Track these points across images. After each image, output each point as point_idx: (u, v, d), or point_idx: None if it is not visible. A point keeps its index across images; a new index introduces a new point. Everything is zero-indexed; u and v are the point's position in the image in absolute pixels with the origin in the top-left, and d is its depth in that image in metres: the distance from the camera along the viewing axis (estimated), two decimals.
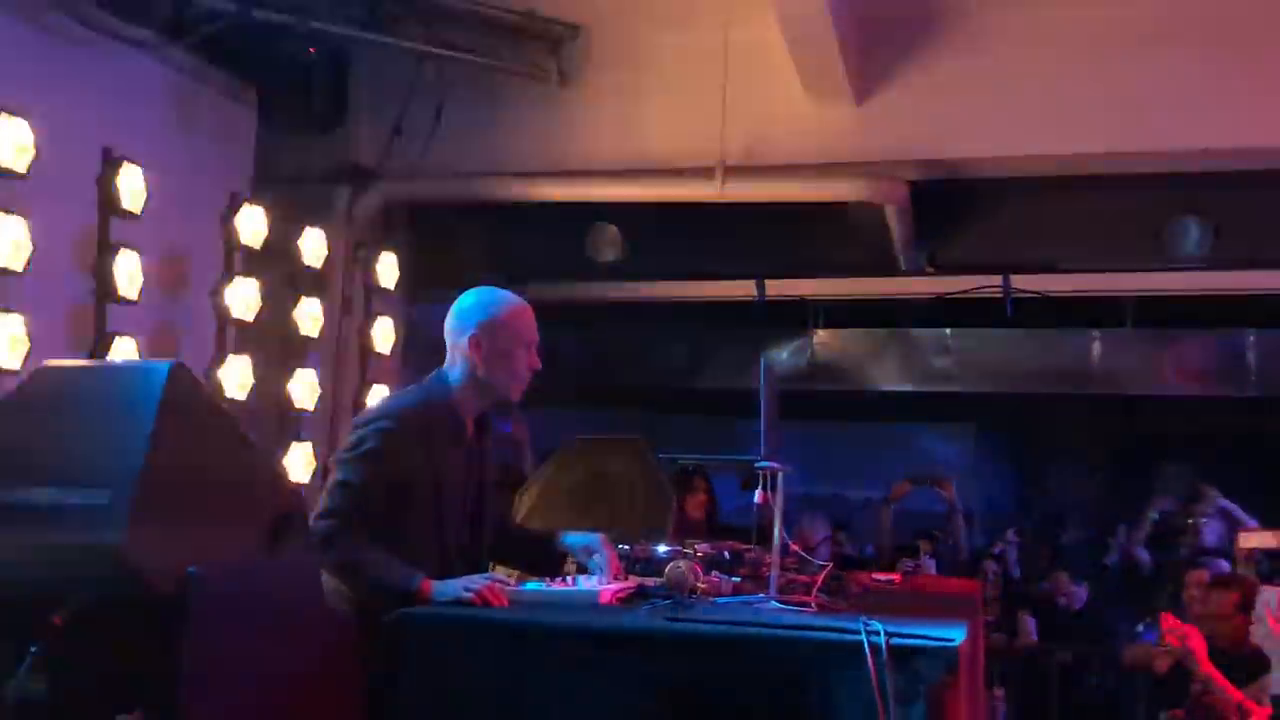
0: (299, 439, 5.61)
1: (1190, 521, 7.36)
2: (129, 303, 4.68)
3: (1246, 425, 10.03)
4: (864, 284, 7.27)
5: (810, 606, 2.87)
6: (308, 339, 5.71)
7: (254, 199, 5.42)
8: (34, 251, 4.24)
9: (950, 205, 6.63)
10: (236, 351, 5.22)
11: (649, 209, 6.37)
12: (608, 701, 2.42)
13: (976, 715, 3.23)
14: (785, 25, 5.22)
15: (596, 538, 3.14)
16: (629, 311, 7.96)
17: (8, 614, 2.06)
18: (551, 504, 4.08)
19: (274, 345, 5.66)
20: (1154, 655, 5.30)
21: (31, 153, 4.25)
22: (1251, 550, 5.85)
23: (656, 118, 6.03)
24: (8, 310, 4.18)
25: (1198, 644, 4.82)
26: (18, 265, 4.20)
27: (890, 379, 8.01)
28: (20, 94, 4.30)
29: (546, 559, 3.22)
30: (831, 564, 3.39)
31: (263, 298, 5.34)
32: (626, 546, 3.25)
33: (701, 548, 3.23)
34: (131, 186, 4.68)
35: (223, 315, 5.19)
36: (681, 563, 2.97)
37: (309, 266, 5.76)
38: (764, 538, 3.27)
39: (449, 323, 3.12)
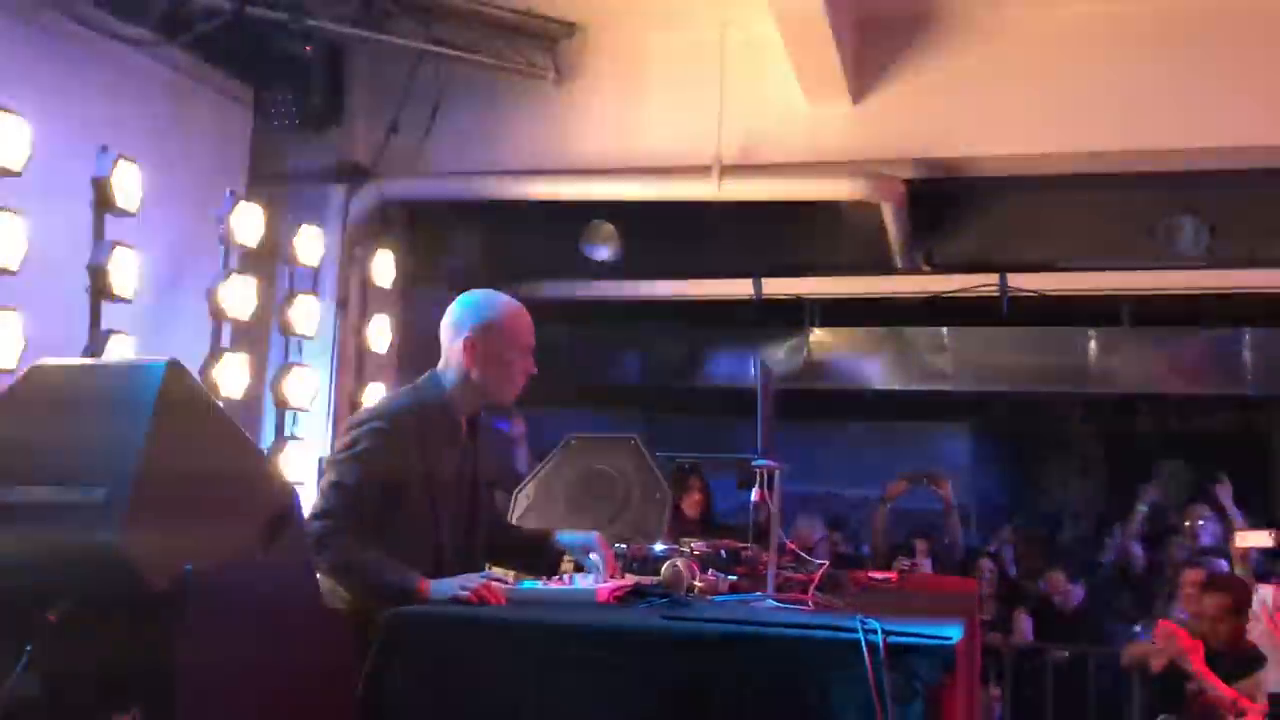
0: (294, 438, 5.60)
1: (1188, 524, 7.36)
2: (125, 301, 4.67)
3: (1242, 424, 10.06)
4: (860, 283, 7.27)
5: (807, 605, 2.87)
6: (303, 337, 5.71)
7: (250, 197, 5.41)
8: (29, 249, 4.23)
9: (947, 204, 6.64)
10: (232, 350, 5.21)
11: (646, 208, 6.37)
12: (605, 700, 2.42)
13: (973, 714, 3.23)
14: (782, 24, 5.22)
15: (593, 536, 3.14)
16: (625, 310, 7.96)
17: (3, 612, 2.05)
18: (548, 503, 4.07)
19: (269, 344, 5.66)
20: (1150, 655, 5.30)
21: (27, 150, 4.24)
22: (1247, 550, 5.85)
23: (653, 116, 6.03)
24: (3, 308, 4.17)
25: (1192, 645, 4.82)
26: (13, 263, 4.19)
27: (887, 378, 8.01)
28: (16, 92, 4.30)
29: (542, 558, 3.22)
30: (828, 563, 3.39)
31: (259, 296, 5.33)
32: (623, 545, 3.25)
33: (698, 546, 3.23)
34: (127, 184, 4.67)
35: (219, 313, 5.18)
36: (678, 561, 2.97)
37: (305, 265, 5.76)
38: (760, 536, 3.27)
39: (445, 324, 3.12)
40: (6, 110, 4.19)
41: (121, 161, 4.64)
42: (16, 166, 4.22)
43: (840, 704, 2.29)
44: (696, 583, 2.97)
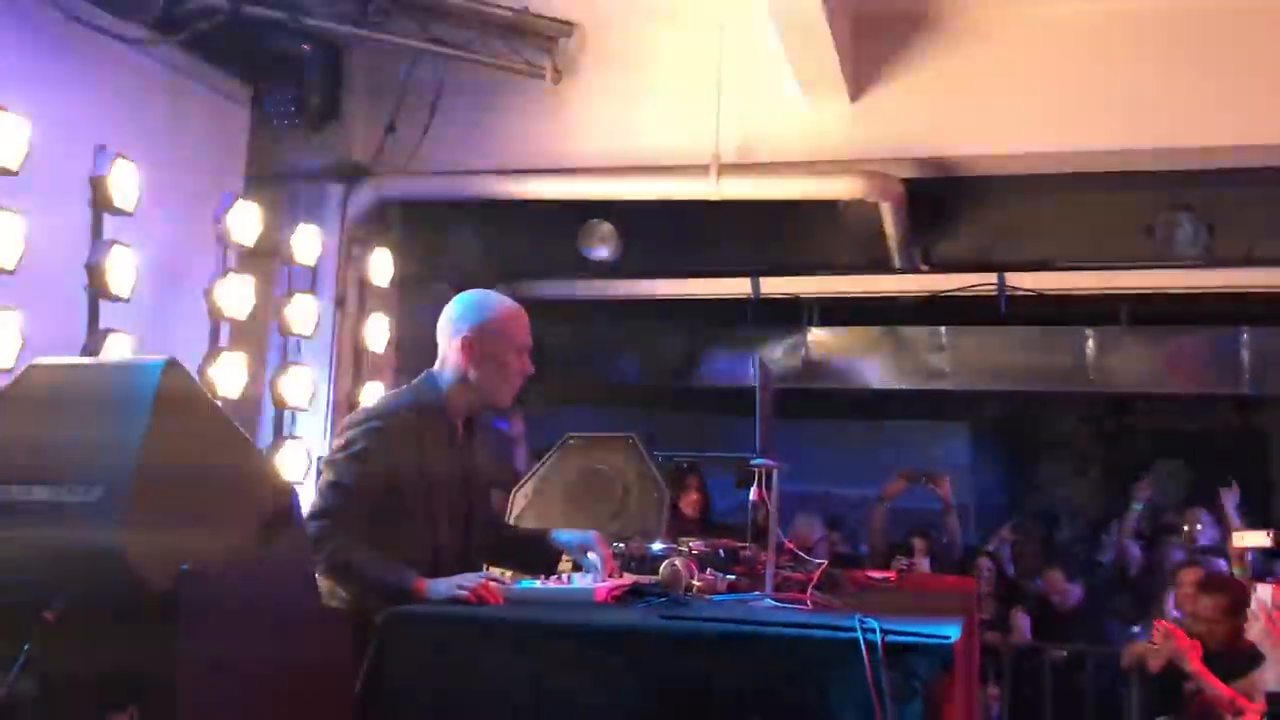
0: (292, 437, 5.60)
1: (1186, 529, 7.36)
2: (122, 300, 4.66)
3: (1241, 423, 10.06)
4: (859, 282, 7.27)
5: (806, 604, 2.87)
6: (301, 336, 5.70)
7: (248, 196, 5.41)
8: (26, 248, 4.22)
9: (945, 203, 6.64)
10: (230, 349, 5.20)
11: (644, 206, 6.37)
12: (603, 699, 2.42)
13: (971, 713, 3.23)
14: (779, 22, 5.21)
15: (591, 536, 3.14)
16: (623, 310, 7.96)
17: (0, 612, 2.05)
18: (546, 502, 4.07)
19: (267, 343, 5.65)
20: (1148, 654, 5.31)
21: (24, 149, 4.23)
22: (1245, 550, 5.85)
23: (651, 115, 6.02)
24: (1, 307, 4.16)
25: (1190, 644, 4.82)
26: (10, 262, 4.18)
27: (885, 377, 8.01)
28: (13, 90, 4.29)
29: (540, 557, 3.22)
30: (826, 562, 3.39)
31: (256, 295, 5.33)
32: (621, 544, 3.25)
33: (696, 545, 3.23)
34: (124, 183, 4.66)
35: (216, 312, 5.17)
36: (677, 560, 2.97)
37: (302, 264, 5.75)
38: (759, 535, 3.27)
39: (441, 324, 3.12)
40: (3, 109, 4.18)
41: (119, 160, 4.64)
42: (13, 165, 4.21)
43: (839, 703, 2.29)
44: (695, 582, 2.97)
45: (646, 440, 4.24)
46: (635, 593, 2.93)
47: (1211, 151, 5.65)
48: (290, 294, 5.67)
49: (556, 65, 5.99)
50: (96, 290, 4.57)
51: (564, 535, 3.22)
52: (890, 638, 2.29)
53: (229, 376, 5.13)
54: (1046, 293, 6.99)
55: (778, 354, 7.83)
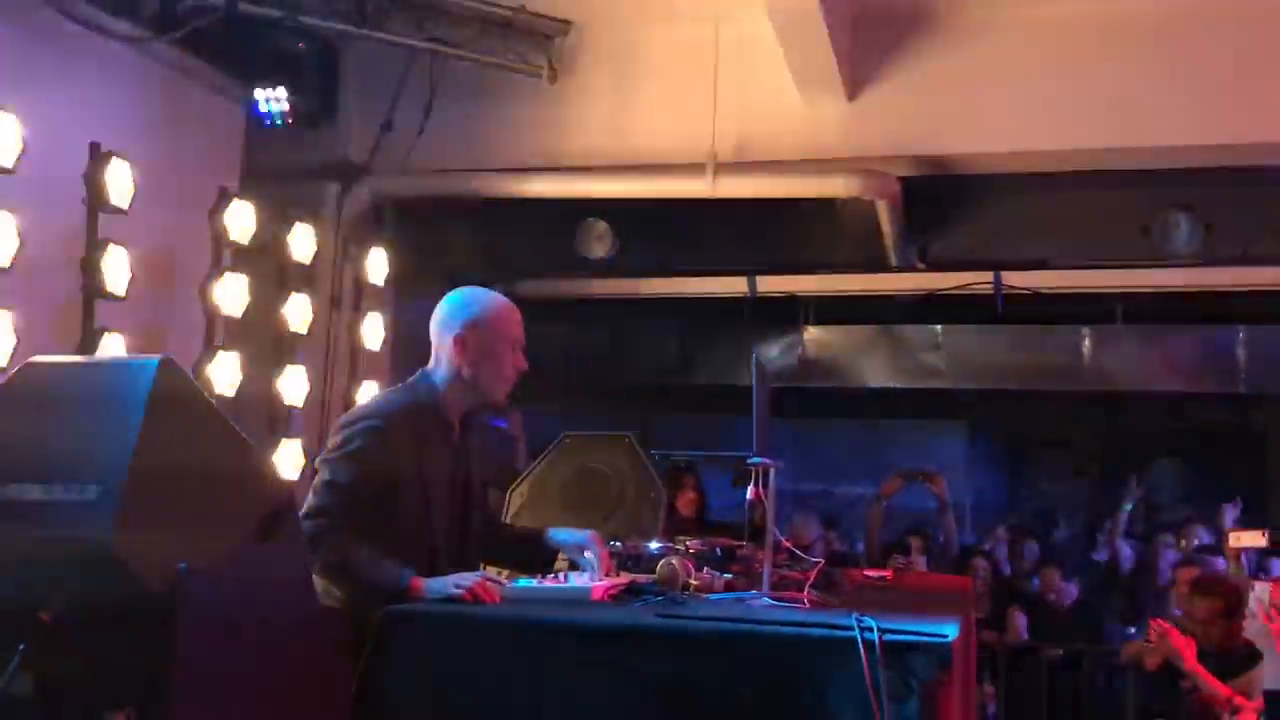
0: (288, 436, 5.59)
1: (1184, 543, 7.36)
2: (117, 299, 4.65)
3: (1237, 421, 10.07)
4: (855, 280, 7.28)
5: (803, 603, 2.86)
6: (297, 335, 5.69)
7: (243, 194, 5.40)
8: (21, 247, 4.22)
9: (941, 202, 6.63)
10: (225, 348, 5.20)
11: (640, 205, 6.36)
12: (600, 698, 2.42)
13: (968, 712, 3.22)
14: (776, 20, 5.21)
15: (587, 535, 3.13)
16: (620, 308, 7.96)
17: None
18: (542, 501, 4.06)
19: (263, 341, 5.64)
20: (1144, 653, 5.30)
21: (18, 148, 4.23)
22: (1241, 549, 5.85)
23: (647, 113, 6.02)
24: None
25: (1186, 642, 4.82)
26: (4, 261, 4.18)
27: (881, 375, 8.02)
28: (7, 89, 4.28)
29: (537, 557, 3.21)
30: (823, 560, 3.39)
31: (252, 294, 5.32)
32: (618, 543, 3.24)
33: (693, 544, 3.22)
34: (119, 182, 4.65)
35: (212, 311, 5.17)
36: (673, 559, 2.97)
37: (298, 262, 5.74)
38: (756, 534, 3.26)
39: (434, 322, 3.11)
40: None
41: (114, 158, 4.63)
42: (8, 163, 4.21)
43: (836, 702, 2.28)
44: (692, 581, 2.96)
45: (643, 439, 4.24)
46: (632, 591, 2.92)
47: (1208, 151, 5.66)
48: (286, 293, 5.66)
49: (553, 64, 5.99)
50: (91, 289, 4.56)
51: (560, 534, 3.21)
52: (888, 637, 2.28)
53: (224, 375, 5.12)
54: (1043, 291, 7.00)
55: (774, 352, 7.84)
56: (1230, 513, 6.83)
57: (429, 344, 3.15)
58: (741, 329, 7.93)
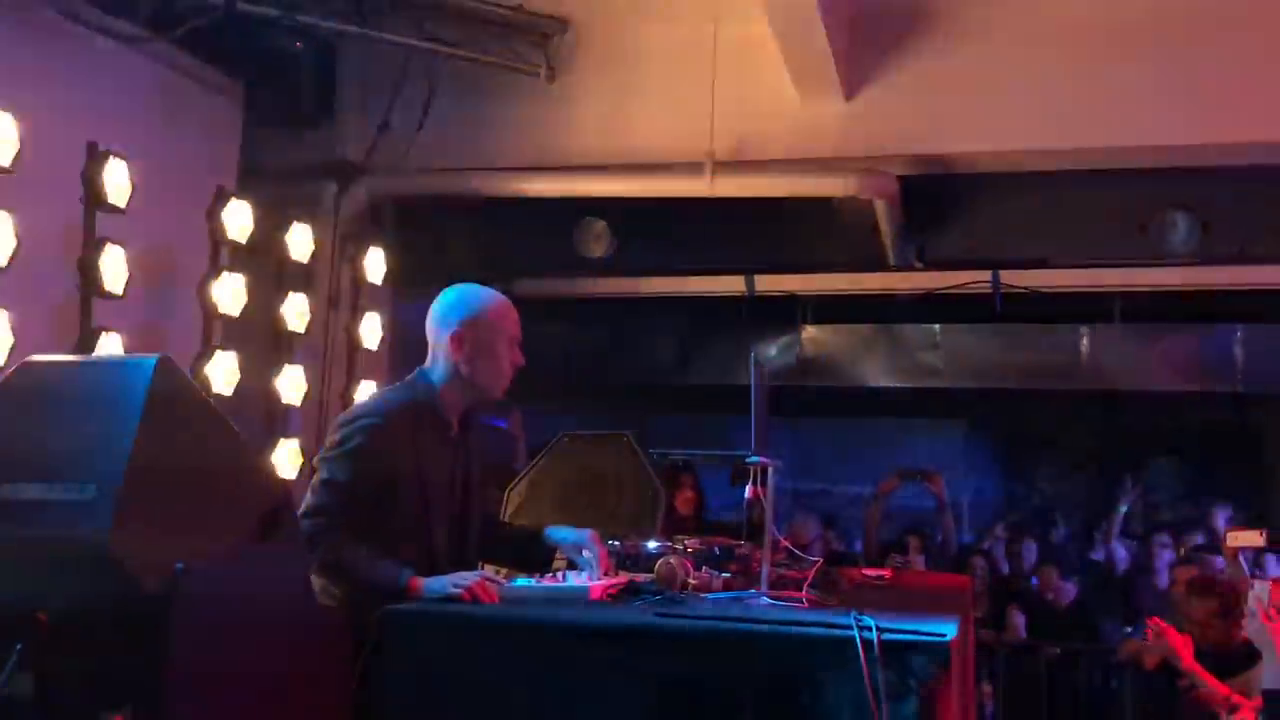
0: (286, 435, 5.58)
1: (1182, 551, 7.36)
2: (115, 298, 4.64)
3: (1234, 420, 10.08)
4: (853, 280, 7.27)
5: (801, 602, 2.86)
6: (294, 334, 5.69)
7: (240, 194, 5.39)
8: (18, 246, 4.21)
9: (939, 201, 6.63)
10: (223, 347, 5.19)
11: (638, 204, 6.36)
12: (598, 697, 2.41)
13: (966, 711, 3.22)
14: (774, 20, 5.20)
15: (586, 533, 3.13)
16: (617, 307, 7.95)
17: None
18: (540, 500, 4.06)
19: (261, 341, 5.64)
20: (1142, 651, 5.30)
21: (16, 146, 4.22)
22: (1238, 549, 5.85)
23: (645, 113, 6.01)
24: None
25: (1183, 641, 4.81)
26: (2, 260, 4.17)
27: (879, 375, 8.02)
28: (4, 87, 4.27)
29: (535, 555, 3.21)
30: (822, 559, 3.39)
31: (249, 293, 5.31)
32: (616, 542, 3.24)
33: (692, 543, 3.22)
34: (117, 181, 4.64)
35: (209, 310, 5.16)
36: (672, 558, 2.97)
37: (296, 262, 5.74)
38: (754, 533, 3.26)
39: (431, 320, 3.11)
40: None
41: (111, 157, 4.62)
42: (5, 162, 4.20)
43: (835, 701, 2.28)
44: (690, 580, 2.96)
45: (641, 438, 4.24)
46: (630, 591, 2.92)
47: (1206, 150, 5.66)
48: (284, 292, 5.65)
49: (551, 63, 5.99)
50: (89, 288, 4.55)
51: (559, 532, 3.21)
52: (886, 636, 2.28)
53: (222, 375, 5.12)
54: (1041, 290, 6.99)
55: (772, 352, 7.83)
56: (1222, 514, 6.85)
57: (426, 343, 3.15)
58: (740, 328, 7.92)
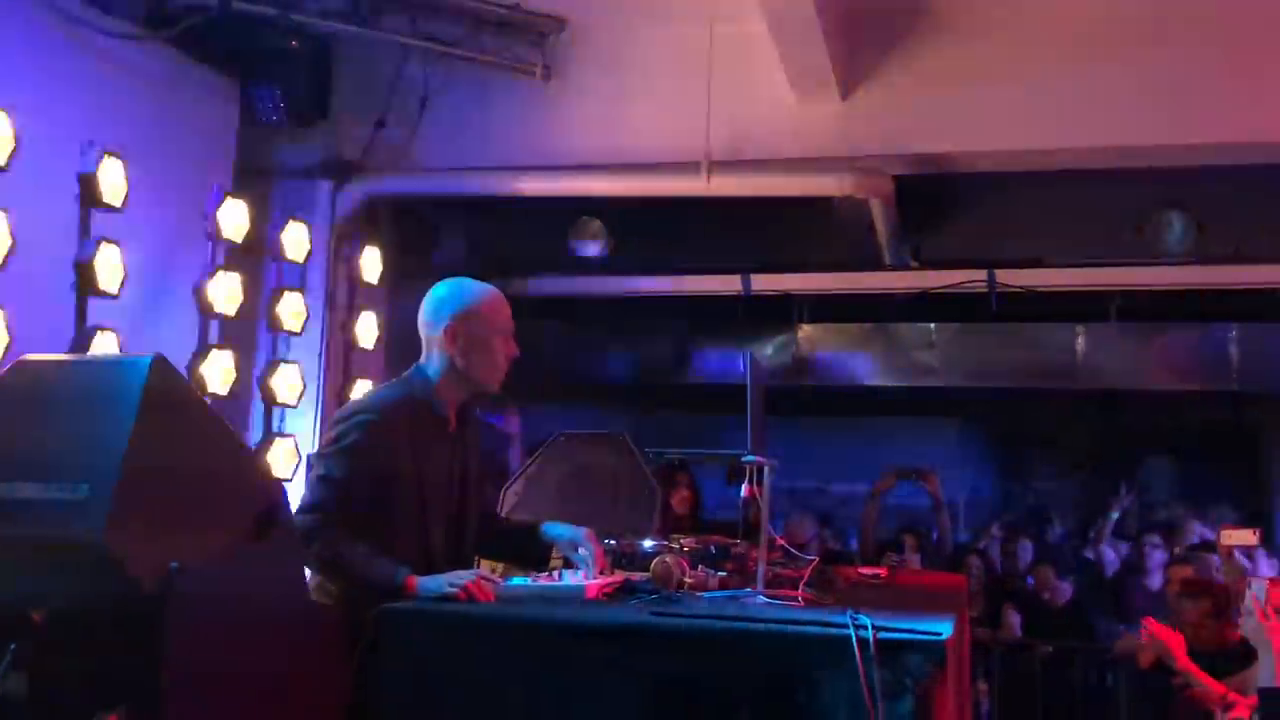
0: (281, 434, 5.58)
1: (1176, 551, 7.36)
2: (110, 297, 4.63)
3: (1230, 419, 10.09)
4: (849, 279, 7.27)
5: (797, 601, 2.86)
6: (290, 333, 5.68)
7: (237, 192, 5.39)
8: (13, 245, 4.20)
9: (935, 200, 6.64)
10: (218, 346, 5.18)
11: (634, 204, 6.36)
12: (594, 696, 2.41)
13: (962, 709, 3.23)
14: (771, 19, 5.21)
15: (581, 531, 3.13)
16: (614, 307, 7.95)
17: None
18: (537, 499, 4.07)
19: (256, 340, 5.63)
20: (1137, 649, 5.30)
21: (11, 145, 4.21)
22: (1233, 547, 5.85)
23: (642, 112, 6.01)
24: None
25: (1176, 641, 4.81)
26: None
27: (875, 374, 8.02)
28: (0, 87, 4.26)
29: (532, 550, 3.21)
30: (818, 558, 3.39)
31: (245, 292, 5.31)
32: (612, 541, 3.24)
33: (688, 542, 3.22)
34: (112, 180, 4.64)
35: (205, 309, 5.16)
36: (668, 557, 2.97)
37: (291, 260, 5.73)
38: (750, 532, 3.26)
39: (423, 316, 3.11)
40: None
41: (107, 157, 4.61)
42: (0, 161, 4.19)
43: (830, 700, 2.29)
44: (686, 579, 2.96)
45: (636, 437, 4.24)
46: (626, 590, 2.93)
47: (1201, 149, 5.66)
48: (279, 291, 5.65)
49: (547, 62, 5.99)
50: (84, 287, 4.54)
51: (555, 529, 3.21)
52: (883, 634, 2.28)
53: (218, 374, 5.11)
54: (1036, 289, 6.99)
55: (768, 351, 7.83)
56: (1198, 529, 6.88)
57: (420, 341, 3.15)
58: (736, 327, 7.92)
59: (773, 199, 6.25)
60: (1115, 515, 7.73)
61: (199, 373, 5.02)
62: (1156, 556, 7.16)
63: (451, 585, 2.70)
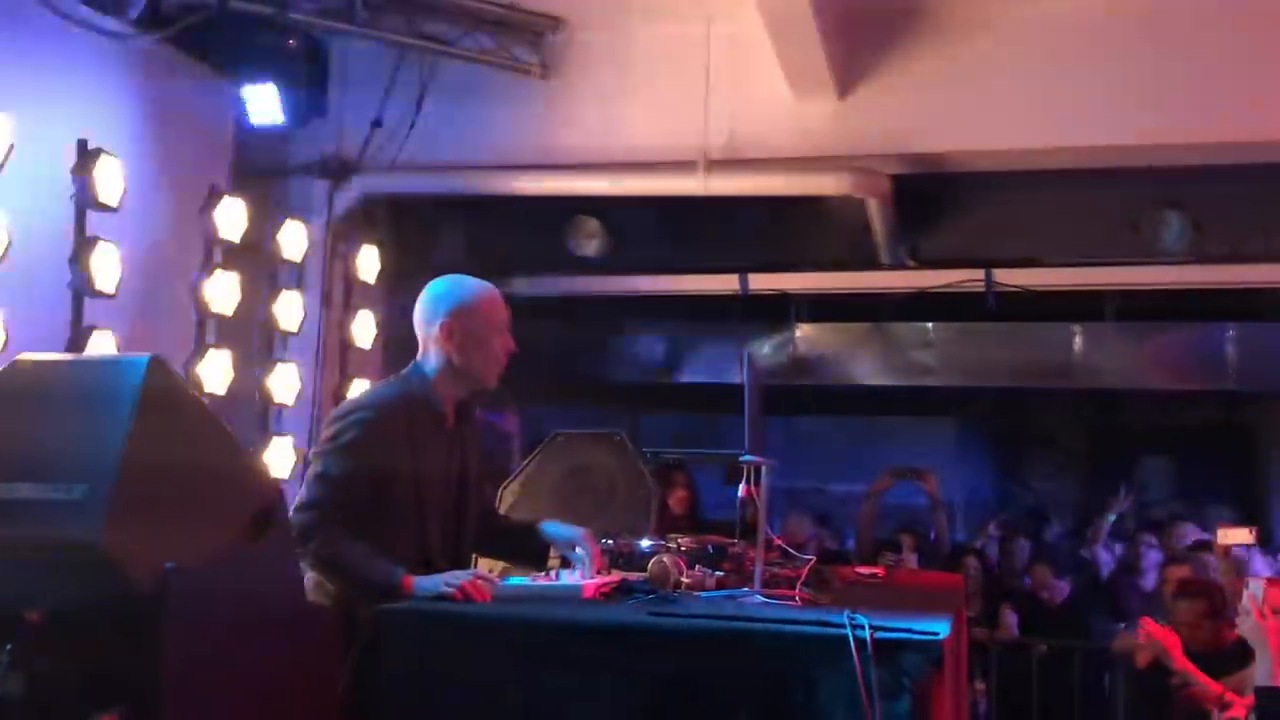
0: (278, 434, 5.58)
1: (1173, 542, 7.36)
2: (106, 296, 4.63)
3: (1226, 418, 10.11)
4: (846, 278, 7.27)
5: (795, 601, 2.86)
6: (287, 333, 5.68)
7: (233, 192, 5.39)
8: (10, 245, 4.20)
9: (932, 199, 6.64)
10: (216, 345, 5.18)
11: (631, 203, 6.36)
12: (591, 696, 2.41)
13: (959, 709, 3.23)
14: (768, 19, 5.21)
15: (579, 532, 3.13)
16: (611, 306, 7.95)
17: None
18: (534, 499, 4.06)
19: (253, 339, 5.63)
20: (1134, 649, 5.30)
21: (7, 144, 4.21)
22: (1229, 547, 5.86)
23: (639, 111, 6.01)
24: None
25: (1173, 641, 4.81)
26: None
27: (872, 373, 8.01)
28: None
29: (530, 549, 3.21)
30: (815, 558, 3.38)
31: (242, 291, 5.30)
32: (609, 541, 3.24)
33: (685, 542, 3.21)
34: (108, 179, 4.63)
35: (202, 309, 5.16)
36: (665, 557, 2.97)
37: (289, 260, 5.73)
38: (748, 532, 3.26)
39: (419, 313, 3.10)
40: None
41: (103, 156, 4.61)
42: None
43: (827, 700, 2.28)
44: (683, 579, 2.96)
45: (634, 437, 4.23)
46: (623, 589, 2.92)
47: (1198, 149, 5.67)
48: (276, 290, 5.65)
49: (544, 61, 5.99)
50: (80, 286, 4.54)
51: (552, 527, 3.20)
52: (880, 634, 2.28)
53: (215, 373, 5.11)
54: (1033, 289, 6.99)
55: (765, 350, 7.82)
56: (1191, 530, 6.88)
57: (416, 339, 3.15)
58: (733, 327, 7.92)
59: (770, 198, 6.25)
60: (1113, 517, 7.72)
61: (196, 372, 5.02)
62: (1151, 556, 7.15)
63: (448, 585, 2.69)
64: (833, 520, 9.25)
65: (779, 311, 7.79)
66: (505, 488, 4.13)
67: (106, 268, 4.60)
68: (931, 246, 6.97)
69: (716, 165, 5.87)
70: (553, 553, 3.18)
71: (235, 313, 5.29)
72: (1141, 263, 6.72)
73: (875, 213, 6.30)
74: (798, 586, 2.96)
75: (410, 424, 2.99)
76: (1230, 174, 6.00)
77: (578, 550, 3.07)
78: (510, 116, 6.14)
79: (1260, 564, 6.42)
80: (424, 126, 6.02)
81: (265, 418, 5.59)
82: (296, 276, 5.80)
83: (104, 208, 4.64)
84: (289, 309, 5.67)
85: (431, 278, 3.18)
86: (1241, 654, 4.75)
